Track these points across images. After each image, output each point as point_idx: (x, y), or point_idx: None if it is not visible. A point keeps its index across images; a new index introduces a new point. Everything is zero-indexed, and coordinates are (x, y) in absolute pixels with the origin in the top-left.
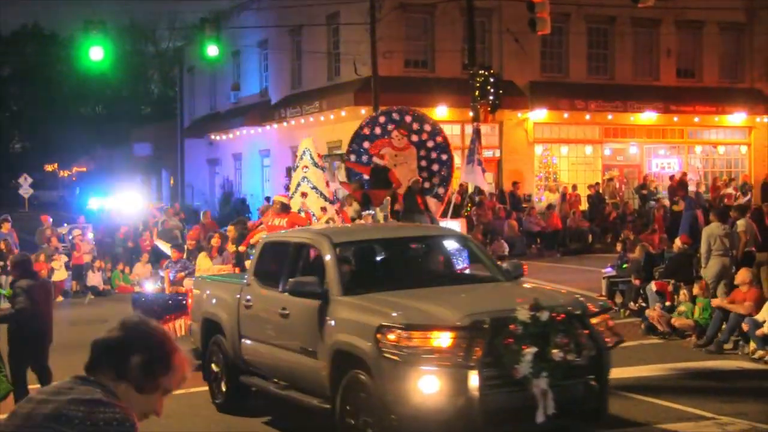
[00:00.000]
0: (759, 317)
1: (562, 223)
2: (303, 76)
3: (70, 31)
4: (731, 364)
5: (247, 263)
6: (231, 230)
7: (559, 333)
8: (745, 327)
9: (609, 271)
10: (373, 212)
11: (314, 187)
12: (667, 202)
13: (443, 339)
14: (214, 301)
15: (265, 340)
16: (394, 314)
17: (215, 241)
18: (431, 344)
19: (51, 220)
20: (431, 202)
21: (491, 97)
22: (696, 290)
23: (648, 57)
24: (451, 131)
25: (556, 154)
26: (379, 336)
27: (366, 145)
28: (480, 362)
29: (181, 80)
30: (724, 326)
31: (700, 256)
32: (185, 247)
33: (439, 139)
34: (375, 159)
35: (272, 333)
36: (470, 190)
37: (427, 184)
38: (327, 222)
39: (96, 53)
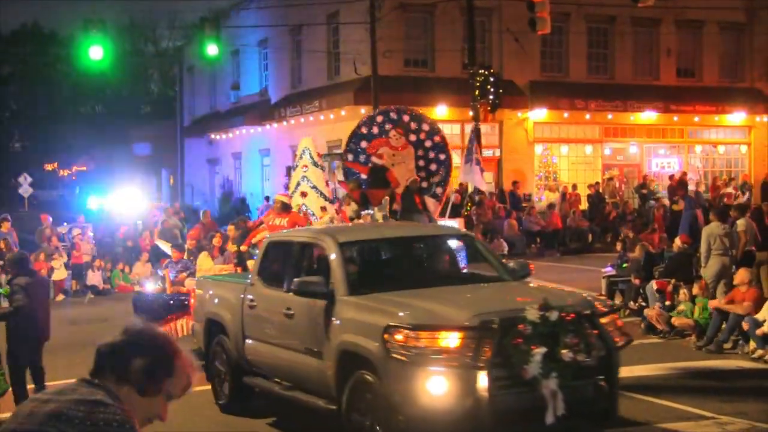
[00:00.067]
0: (759, 316)
1: (562, 223)
2: (303, 76)
3: (70, 30)
4: (731, 364)
5: (249, 263)
6: (231, 230)
7: (568, 333)
8: (745, 326)
9: (609, 270)
10: (371, 212)
11: (314, 187)
12: (666, 202)
13: (451, 339)
14: (217, 301)
15: (270, 341)
16: (402, 314)
17: (216, 241)
18: (439, 344)
19: (51, 219)
20: (429, 201)
21: (491, 97)
22: (696, 290)
23: (648, 56)
24: (451, 131)
25: (556, 153)
26: (386, 336)
27: (363, 144)
28: (489, 363)
29: (180, 79)
30: (723, 326)
31: (700, 255)
32: (186, 247)
33: (437, 138)
34: (374, 158)
35: (276, 333)
36: (470, 189)
37: (424, 184)
38: (331, 221)
39: (96, 52)
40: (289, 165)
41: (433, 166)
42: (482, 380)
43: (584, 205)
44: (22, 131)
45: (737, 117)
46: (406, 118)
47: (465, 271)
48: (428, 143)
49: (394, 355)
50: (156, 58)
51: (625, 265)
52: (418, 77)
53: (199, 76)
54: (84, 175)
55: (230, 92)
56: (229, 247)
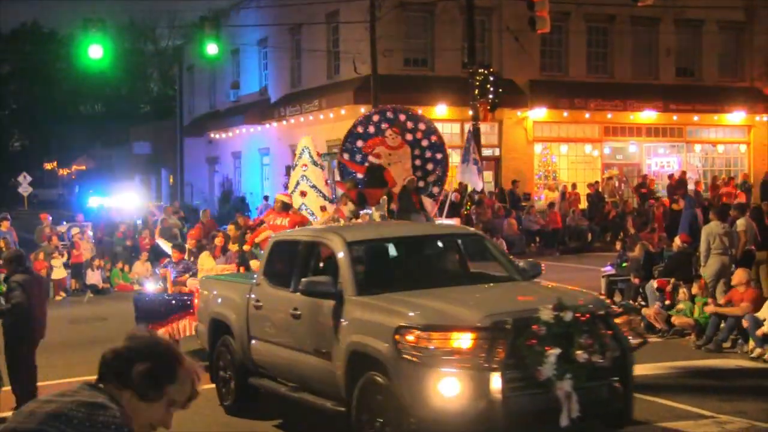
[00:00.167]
0: (760, 315)
1: (562, 222)
2: (302, 75)
3: (70, 29)
4: (730, 363)
5: (252, 263)
6: (231, 229)
7: (583, 334)
8: (745, 323)
9: (609, 269)
10: (369, 212)
11: (313, 186)
12: (666, 201)
13: (464, 340)
14: (222, 301)
15: (276, 341)
16: (413, 315)
17: (219, 241)
18: (451, 345)
19: (50, 218)
20: (426, 201)
21: (491, 96)
22: (695, 289)
23: (647, 56)
24: (451, 130)
25: (556, 152)
26: (397, 337)
27: (359, 143)
28: (502, 364)
29: (180, 79)
30: (723, 325)
31: (700, 254)
32: (186, 246)
33: (433, 138)
34: (371, 157)
35: (283, 334)
36: (470, 188)
37: (421, 183)
38: (336, 221)
39: (95, 51)
40: (288, 164)
41: (430, 166)
42: (495, 382)
43: (584, 205)
44: (21, 130)
45: (737, 116)
46: (402, 117)
47: (475, 270)
48: (425, 142)
49: (406, 356)
50: (156, 58)
51: (624, 264)
52: (417, 76)
53: (198, 76)
54: (83, 174)
55: (230, 91)
56: (230, 246)
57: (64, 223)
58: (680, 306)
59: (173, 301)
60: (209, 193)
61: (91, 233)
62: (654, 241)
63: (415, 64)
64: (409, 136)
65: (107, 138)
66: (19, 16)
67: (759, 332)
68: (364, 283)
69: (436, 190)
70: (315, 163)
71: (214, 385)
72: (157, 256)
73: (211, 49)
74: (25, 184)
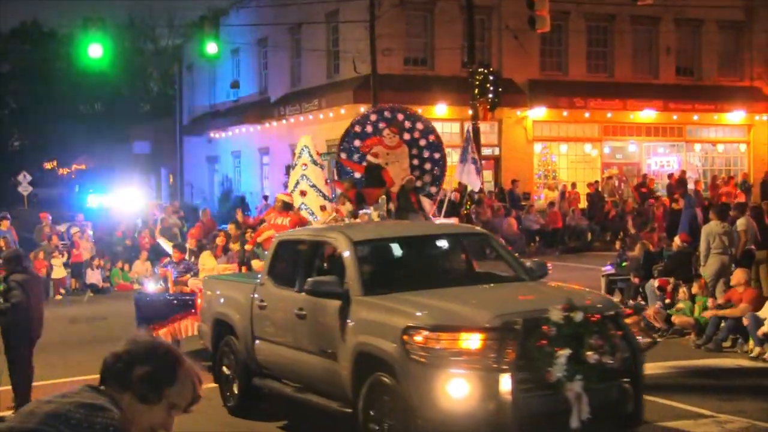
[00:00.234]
0: (761, 314)
1: (561, 221)
2: (302, 74)
3: (69, 28)
4: (730, 362)
5: (254, 263)
6: (232, 228)
7: (593, 334)
8: (745, 321)
9: (609, 269)
10: (368, 211)
11: (313, 185)
12: (666, 200)
13: (473, 341)
14: (226, 301)
15: (281, 342)
16: (421, 315)
17: (220, 240)
18: (460, 346)
19: (50, 217)
20: (424, 201)
21: (490, 95)
22: (695, 289)
23: (647, 55)
24: (451, 129)
25: (556, 152)
26: (405, 337)
27: (357, 143)
28: (512, 365)
29: (180, 78)
30: (722, 325)
31: (699, 254)
32: (187, 246)
33: (431, 137)
34: (369, 157)
35: (288, 334)
36: (469, 188)
37: (419, 183)
38: (337, 220)
39: (95, 51)
40: (288, 164)
41: (428, 165)
42: (505, 383)
43: (583, 204)
44: (21, 129)
45: (736, 115)
46: (400, 116)
47: (481, 270)
48: (422, 142)
49: (414, 357)
50: (155, 57)
51: (624, 263)
52: (417, 76)
53: (198, 75)
54: (83, 173)
55: (230, 91)
56: (232, 246)
57: (64, 223)
58: (680, 305)
59: (175, 301)
60: (209, 192)
61: (91, 232)
62: (654, 241)
63: (415, 63)
64: (407, 136)
65: (107, 137)
66: (18, 15)
67: (759, 332)
68: (371, 283)
69: (433, 189)
70: (315, 163)
71: (216, 385)
72: (157, 255)
73: (211, 48)
74: (24, 184)
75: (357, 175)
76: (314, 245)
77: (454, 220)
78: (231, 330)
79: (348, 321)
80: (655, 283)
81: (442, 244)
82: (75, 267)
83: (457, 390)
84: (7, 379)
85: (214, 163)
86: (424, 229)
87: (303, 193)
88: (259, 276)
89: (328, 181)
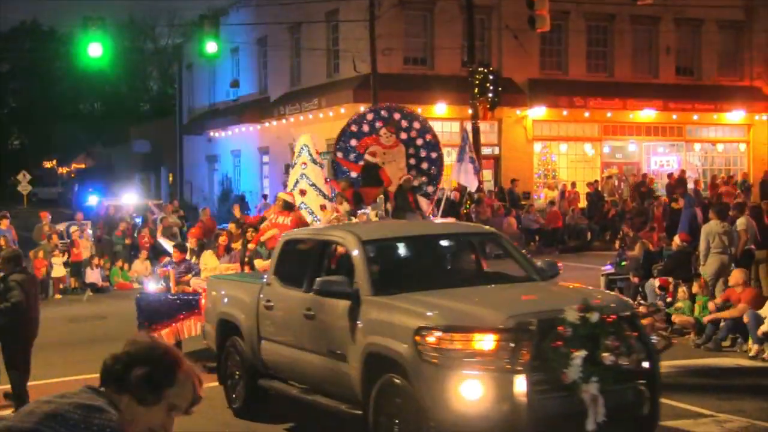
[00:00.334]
0: (762, 312)
1: (561, 221)
2: (302, 73)
3: (69, 27)
4: (730, 362)
5: (257, 262)
6: (233, 227)
7: (609, 335)
8: (746, 319)
9: (608, 268)
10: (366, 211)
11: (313, 185)
12: (666, 200)
13: (486, 341)
14: (231, 301)
15: (288, 342)
16: (434, 315)
17: (222, 240)
18: (474, 347)
19: (50, 216)
20: (422, 200)
21: (490, 95)
22: (696, 288)
23: (647, 54)
24: (451, 128)
25: (555, 151)
26: (417, 338)
27: (353, 142)
28: (527, 366)
29: (180, 77)
30: (722, 324)
31: (699, 253)
32: (187, 246)
33: (428, 137)
34: (367, 156)
35: (296, 335)
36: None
37: (416, 182)
38: (337, 220)
39: (95, 50)
40: (288, 163)
41: (425, 165)
42: (520, 384)
43: (583, 203)
44: (21, 128)
45: (736, 115)
46: (397, 116)
47: (492, 270)
48: (419, 141)
49: (426, 358)
50: (155, 56)
51: (623, 263)
52: (417, 75)
53: (198, 74)
54: (83, 172)
55: (229, 90)
56: (234, 245)
57: (64, 223)
58: (679, 305)
59: (177, 301)
60: (209, 191)
61: (90, 232)
62: (653, 240)
63: (415, 62)
64: (403, 135)
65: (107, 136)
66: (18, 14)
67: (759, 332)
68: (380, 283)
69: (430, 189)
70: (314, 162)
71: (217, 386)
72: (156, 254)
73: (211, 47)
74: (24, 183)
75: (353, 174)
76: (322, 245)
77: (451, 220)
78: (236, 330)
79: (358, 321)
80: (656, 282)
81: (452, 243)
82: (74, 266)
83: (470, 391)
84: (5, 378)
85: (213, 163)
86: (433, 229)
87: (303, 192)
88: (265, 276)
89: (328, 180)
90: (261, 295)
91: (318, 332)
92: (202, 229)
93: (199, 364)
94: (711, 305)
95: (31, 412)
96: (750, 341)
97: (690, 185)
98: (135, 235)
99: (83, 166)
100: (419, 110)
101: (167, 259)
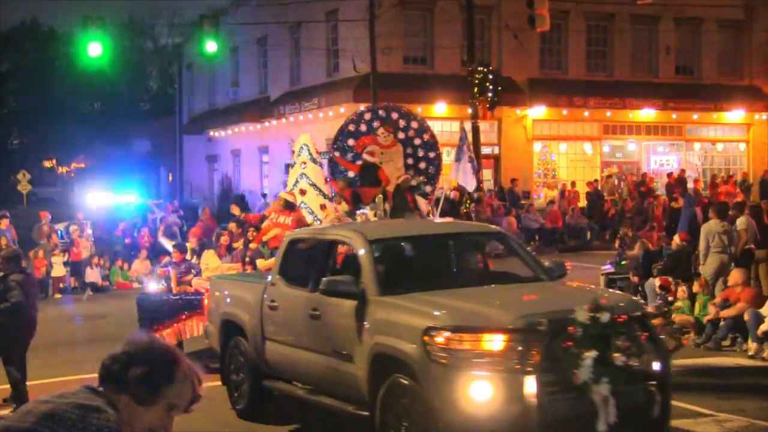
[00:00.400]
0: (763, 311)
1: (561, 220)
2: (302, 73)
3: (69, 27)
4: (729, 361)
5: (259, 262)
6: (233, 227)
7: (620, 335)
8: (746, 317)
9: (608, 268)
10: (365, 211)
11: (313, 184)
12: (665, 199)
13: (496, 342)
14: (235, 301)
15: (293, 343)
16: (442, 315)
17: (224, 239)
18: (483, 347)
19: (50, 216)
20: (420, 200)
21: (490, 94)
22: (696, 287)
23: (647, 54)
24: (450, 128)
25: (555, 151)
26: (426, 338)
27: (351, 142)
28: (537, 367)
29: (179, 77)
30: (722, 324)
31: (699, 253)
32: (187, 246)
33: (426, 136)
34: (365, 155)
35: (301, 335)
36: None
37: (414, 182)
38: (338, 219)
39: (94, 49)
40: (287, 162)
41: (422, 165)
42: (530, 385)
43: (583, 203)
44: (20, 128)
45: (736, 114)
46: (395, 115)
47: (499, 270)
48: (417, 141)
49: (435, 358)
50: (155, 55)
51: (623, 262)
52: (417, 74)
53: (198, 74)
54: (83, 172)
55: (229, 89)
56: (236, 245)
57: (62, 222)
58: (678, 304)
59: (179, 301)
60: (208, 191)
61: (90, 231)
62: (653, 240)
63: (415, 62)
64: (401, 135)
65: (106, 136)
66: (18, 14)
67: (759, 331)
68: (387, 283)
69: (428, 189)
70: (314, 161)
71: (217, 385)
72: (156, 254)
73: (211, 47)
74: (24, 182)
75: (351, 174)
76: (328, 244)
77: (449, 220)
78: (240, 331)
79: (364, 321)
80: (656, 282)
81: (459, 243)
82: (74, 265)
83: (479, 392)
84: (5, 378)
85: (213, 162)
86: (440, 228)
87: (302, 192)
88: (269, 275)
89: (328, 179)
90: (265, 295)
91: (323, 332)
92: (203, 229)
93: (200, 363)
94: (711, 309)
95: (29, 412)
96: (750, 340)
97: (690, 185)
98: (135, 234)
99: (83, 165)
100: (419, 110)
101: (167, 258)
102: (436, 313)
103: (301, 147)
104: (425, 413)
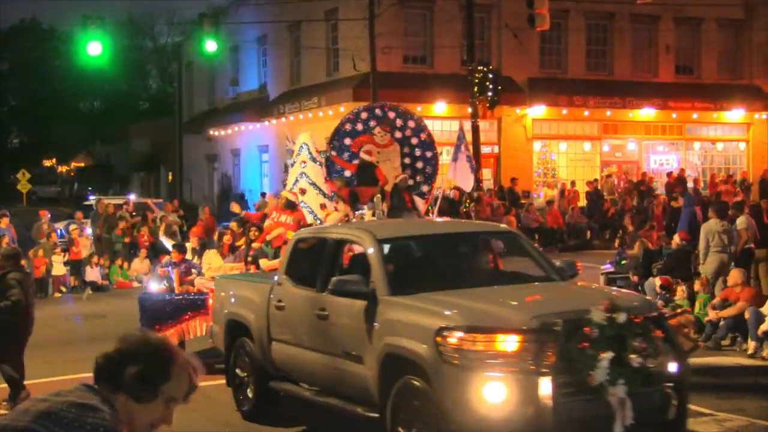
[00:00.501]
0: (764, 310)
1: (561, 220)
2: (302, 72)
3: (69, 26)
4: (729, 361)
5: (262, 261)
6: (234, 226)
7: (637, 336)
8: (747, 315)
9: (608, 267)
10: (363, 211)
11: (313, 183)
12: (665, 198)
13: (510, 342)
14: (240, 301)
15: (300, 344)
16: (455, 315)
17: (227, 239)
18: (497, 348)
19: (50, 215)
20: (418, 200)
21: (490, 93)
22: (697, 286)
23: (647, 53)
24: (450, 127)
25: (555, 150)
26: (439, 339)
27: (347, 141)
28: (552, 368)
29: (179, 76)
30: (722, 323)
31: (699, 252)
32: (187, 246)
33: (423, 135)
34: (362, 154)
35: (309, 336)
36: (456, 184)
37: (411, 182)
38: (345, 219)
39: (94, 48)
40: (286, 162)
41: (419, 164)
42: (545, 387)
43: (582, 202)
44: (20, 127)
45: (736, 114)
46: (391, 114)
47: (510, 269)
48: (414, 140)
49: (447, 359)
50: (154, 54)
51: (623, 261)
52: (416, 74)
53: (197, 73)
54: (82, 171)
55: (229, 88)
56: (238, 244)
57: (62, 221)
58: (677, 303)
59: (183, 302)
60: (208, 190)
61: (89, 230)
62: (653, 239)
63: (414, 61)
64: (398, 134)
65: (106, 135)
66: (18, 13)
67: (760, 331)
68: (397, 283)
69: (426, 188)
70: (314, 160)
71: (217, 384)
72: (156, 253)
73: (210, 46)
74: (23, 181)
75: (347, 173)
76: (336, 243)
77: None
78: (246, 331)
79: (375, 322)
80: (657, 281)
81: (469, 242)
82: (74, 264)
83: (493, 394)
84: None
85: (213, 161)
86: (450, 227)
87: (302, 191)
88: (276, 275)
89: (327, 179)
90: (272, 295)
91: (332, 333)
92: (204, 228)
93: (195, 356)
94: (711, 313)
95: (26, 411)
96: (749, 339)
97: (689, 184)
98: (134, 233)
99: (83, 164)
100: (419, 109)
101: (167, 258)
102: (449, 313)
103: (301, 146)
104: (437, 415)
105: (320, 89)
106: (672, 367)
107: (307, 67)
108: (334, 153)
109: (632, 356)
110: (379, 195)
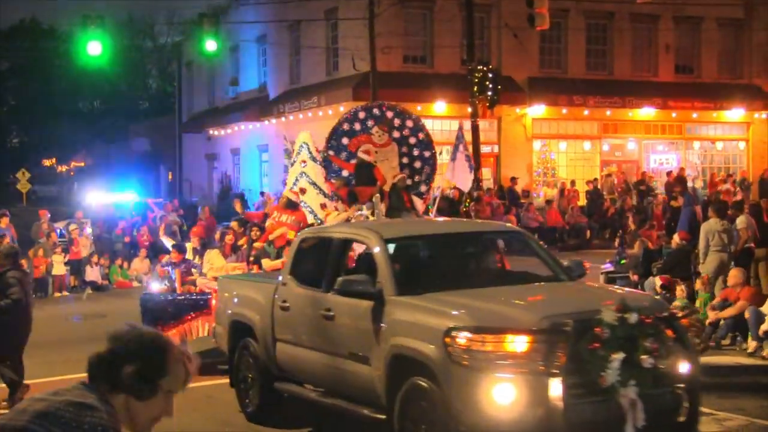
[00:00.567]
0: (764, 309)
1: (561, 219)
2: (301, 72)
3: (68, 25)
4: (729, 360)
5: (264, 261)
6: (235, 226)
7: (648, 337)
8: (747, 314)
9: (608, 266)
10: (363, 212)
11: (313, 183)
12: (665, 198)
13: (519, 343)
14: (244, 302)
15: (305, 344)
16: (464, 316)
17: (229, 239)
18: (506, 349)
19: (49, 215)
20: (416, 200)
21: (490, 93)
22: (698, 285)
23: (646, 53)
24: (450, 127)
25: (555, 149)
26: (447, 339)
27: (345, 141)
28: (562, 369)
29: (179, 75)
30: (722, 323)
31: (699, 251)
32: (187, 245)
33: (421, 135)
34: (360, 154)
35: (314, 336)
36: (454, 184)
37: (409, 181)
38: (348, 219)
39: (94, 48)
40: (287, 161)
41: (417, 164)
42: (555, 388)
43: (582, 202)
44: (20, 127)
45: (735, 113)
46: (389, 114)
47: (518, 269)
48: (412, 140)
49: (456, 360)
50: (154, 54)
51: (623, 261)
52: (416, 73)
53: (197, 72)
54: (82, 170)
55: (229, 88)
56: (240, 243)
57: (62, 221)
58: (676, 303)
59: (185, 302)
60: (208, 189)
61: (89, 230)
62: (653, 238)
63: (414, 61)
64: (396, 134)
65: (106, 134)
66: (17, 12)
67: (760, 331)
68: (405, 282)
69: (424, 188)
70: (314, 159)
71: (218, 384)
72: (156, 253)
73: (210, 45)
74: (23, 181)
75: (345, 173)
76: (342, 243)
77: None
78: (250, 332)
79: (381, 322)
80: (657, 281)
81: (477, 242)
82: (74, 264)
83: (502, 395)
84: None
85: (213, 161)
86: (457, 227)
87: (303, 191)
88: (279, 275)
89: (327, 178)
90: (276, 296)
91: (338, 333)
92: (204, 228)
93: (188, 347)
94: (711, 314)
95: (24, 410)
96: (749, 338)
97: (689, 183)
98: (134, 233)
99: (82, 164)
100: (419, 108)
101: (167, 258)
102: (457, 313)
103: (301, 145)
104: (446, 416)
105: (320, 89)
106: (683, 368)
107: (306, 66)
108: (331, 153)
109: (643, 357)
110: (377, 195)
